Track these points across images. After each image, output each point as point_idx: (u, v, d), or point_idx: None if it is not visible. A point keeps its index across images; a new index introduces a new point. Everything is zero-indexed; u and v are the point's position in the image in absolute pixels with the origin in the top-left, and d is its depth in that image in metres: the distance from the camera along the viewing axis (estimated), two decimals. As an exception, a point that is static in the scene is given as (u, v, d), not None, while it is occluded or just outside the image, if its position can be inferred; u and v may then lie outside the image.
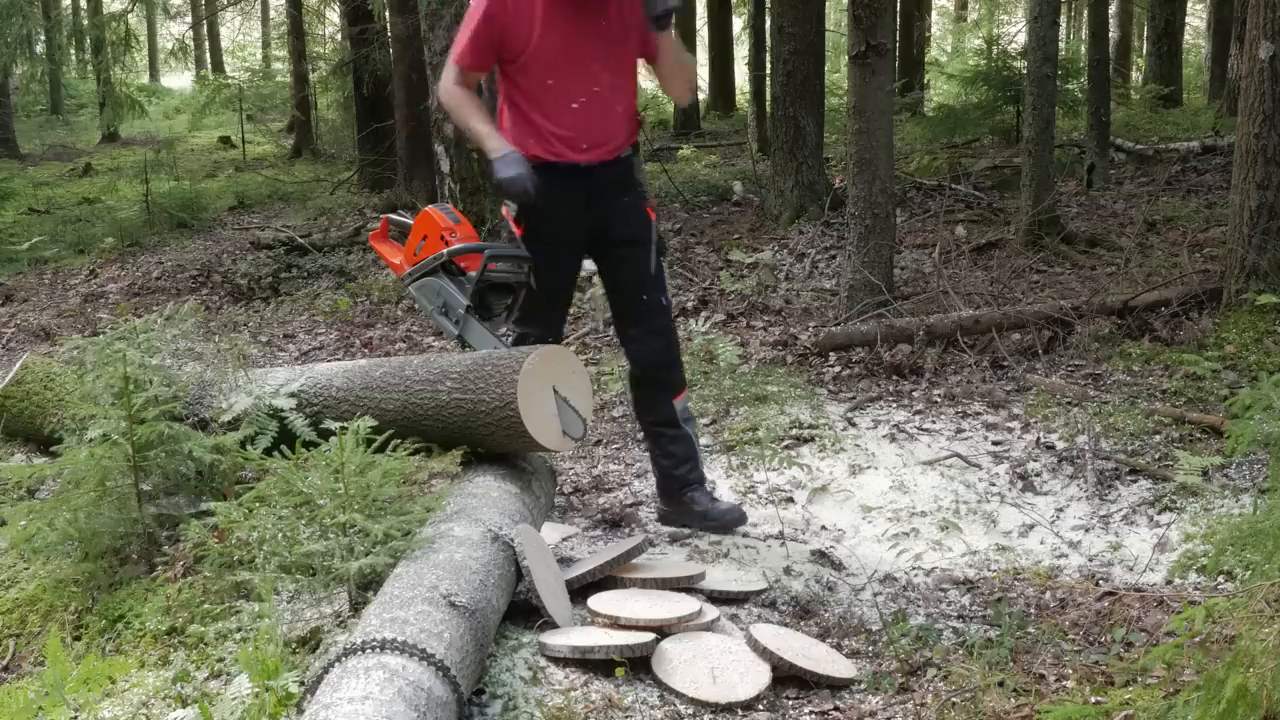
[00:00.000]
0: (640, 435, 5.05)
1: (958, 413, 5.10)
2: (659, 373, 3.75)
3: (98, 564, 3.33)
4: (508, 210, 3.72)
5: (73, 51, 18.72)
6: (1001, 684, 2.81)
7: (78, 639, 3.19)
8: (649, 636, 2.86)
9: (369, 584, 2.88)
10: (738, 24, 18.99)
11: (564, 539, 3.83)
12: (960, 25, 26.33)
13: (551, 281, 3.72)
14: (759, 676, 2.81)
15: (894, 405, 5.27)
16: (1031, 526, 4.02)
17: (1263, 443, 3.44)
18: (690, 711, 2.71)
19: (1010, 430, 4.87)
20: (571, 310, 7.29)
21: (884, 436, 4.85)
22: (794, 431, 4.88)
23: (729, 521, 3.76)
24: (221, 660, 2.87)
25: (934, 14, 25.49)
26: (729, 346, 5.89)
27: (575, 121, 3.58)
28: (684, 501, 3.82)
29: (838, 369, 5.86)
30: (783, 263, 7.98)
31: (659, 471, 3.91)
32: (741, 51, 18.18)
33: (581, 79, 3.56)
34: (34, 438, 4.25)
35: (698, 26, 16.77)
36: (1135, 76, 17.33)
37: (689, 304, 7.15)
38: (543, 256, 3.66)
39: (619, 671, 2.79)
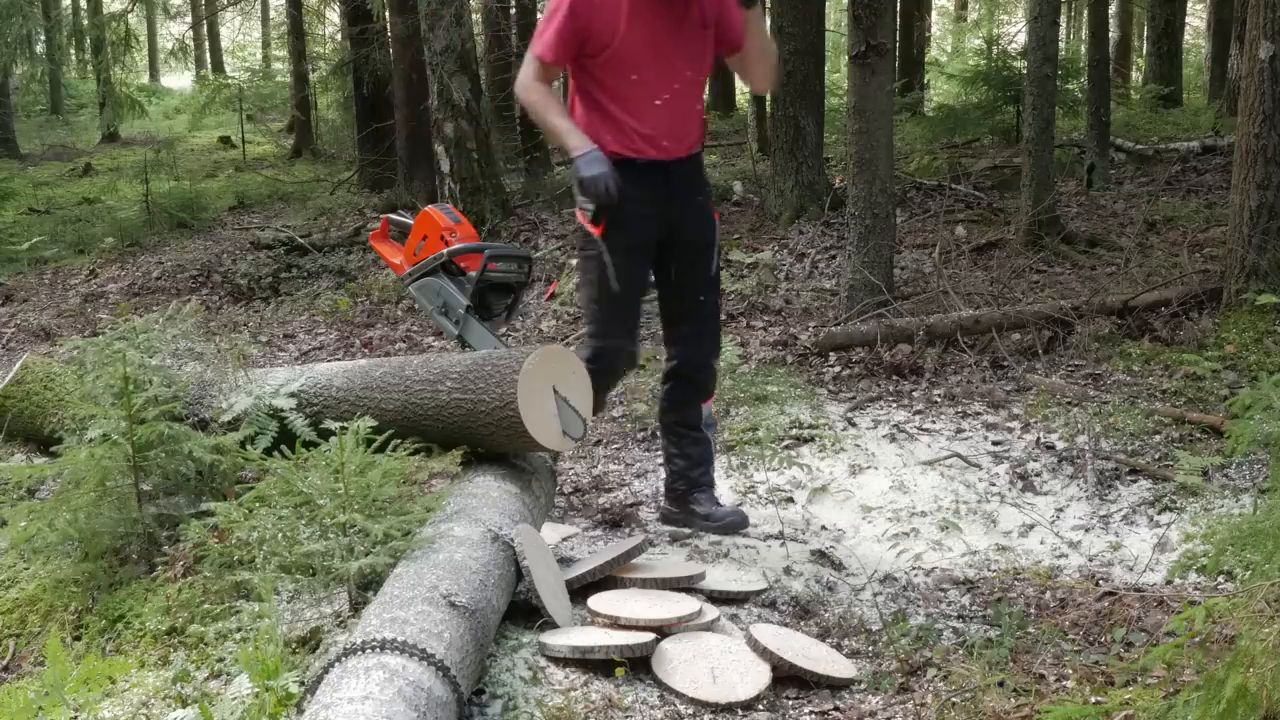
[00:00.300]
0: (642, 435, 5.05)
1: (958, 413, 5.10)
2: (700, 374, 3.75)
3: (98, 564, 3.33)
4: (582, 213, 3.61)
5: (73, 51, 18.71)
6: (1001, 684, 2.81)
7: (78, 639, 3.19)
8: (649, 636, 2.86)
9: (369, 584, 2.88)
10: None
11: (564, 539, 3.83)
12: (960, 25, 26.33)
13: (632, 282, 3.62)
14: (759, 676, 2.81)
15: (894, 405, 5.27)
16: (1031, 526, 4.02)
17: (1263, 443, 3.44)
18: (690, 711, 2.71)
19: (1010, 430, 4.87)
20: (571, 310, 7.34)
21: (884, 436, 4.85)
22: (794, 431, 4.88)
23: (731, 525, 3.75)
24: (221, 660, 2.87)
25: (934, 14, 25.49)
26: (729, 346, 5.89)
27: (658, 118, 3.53)
28: (689, 502, 3.82)
29: (838, 369, 5.86)
30: (783, 263, 7.98)
31: (671, 470, 3.88)
32: (741, 52, 18.14)
33: (666, 75, 3.52)
34: (34, 438, 4.25)
35: (698, 26, 16.75)
36: (1135, 76, 17.33)
37: (689, 304, 7.13)
38: (622, 257, 3.56)
39: (619, 671, 2.79)
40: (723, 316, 6.99)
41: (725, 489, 4.40)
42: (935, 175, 10.38)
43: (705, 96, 3.80)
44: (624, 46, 3.48)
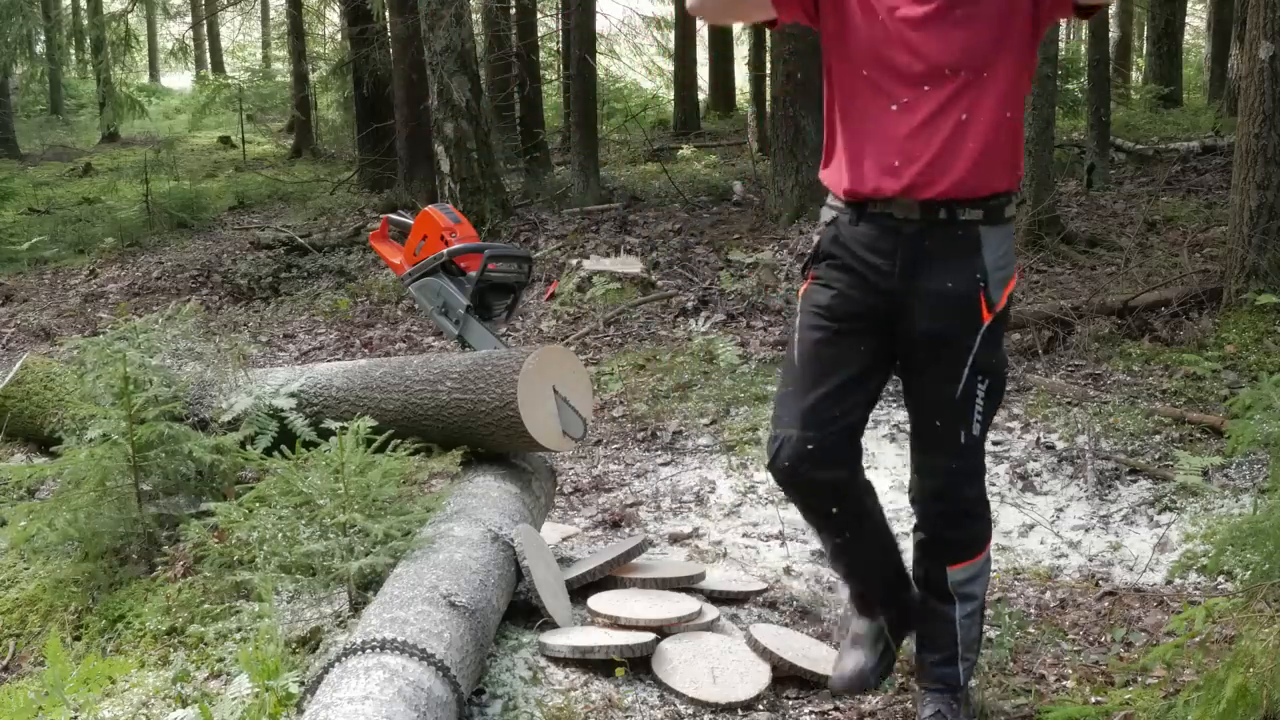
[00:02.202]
0: (641, 435, 5.05)
1: (958, 413, 5.09)
2: (933, 529, 2.56)
3: (98, 564, 3.33)
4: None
5: (73, 51, 18.73)
6: (1002, 684, 2.81)
7: (78, 639, 3.19)
8: (649, 636, 2.86)
9: (369, 584, 2.88)
10: (737, 24, 18.97)
11: (564, 539, 3.83)
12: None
13: (815, 364, 2.51)
14: (759, 676, 2.81)
15: (894, 405, 5.27)
16: (1031, 526, 4.02)
17: (1263, 443, 3.45)
18: (690, 711, 2.71)
19: (1010, 430, 4.87)
20: (571, 310, 7.35)
21: (884, 436, 4.84)
22: (794, 431, 4.87)
23: None
24: (221, 660, 2.87)
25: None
26: (729, 346, 5.89)
27: (896, 135, 2.40)
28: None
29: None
30: (783, 263, 7.98)
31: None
32: (741, 51, 18.18)
33: (912, 70, 2.37)
34: (34, 438, 4.25)
35: (698, 26, 16.77)
36: (1135, 76, 17.33)
37: (689, 304, 7.15)
38: (811, 326, 2.52)
39: (619, 671, 2.79)
40: (719, 316, 7.02)
41: (725, 489, 4.40)
42: (935, 175, 10.36)
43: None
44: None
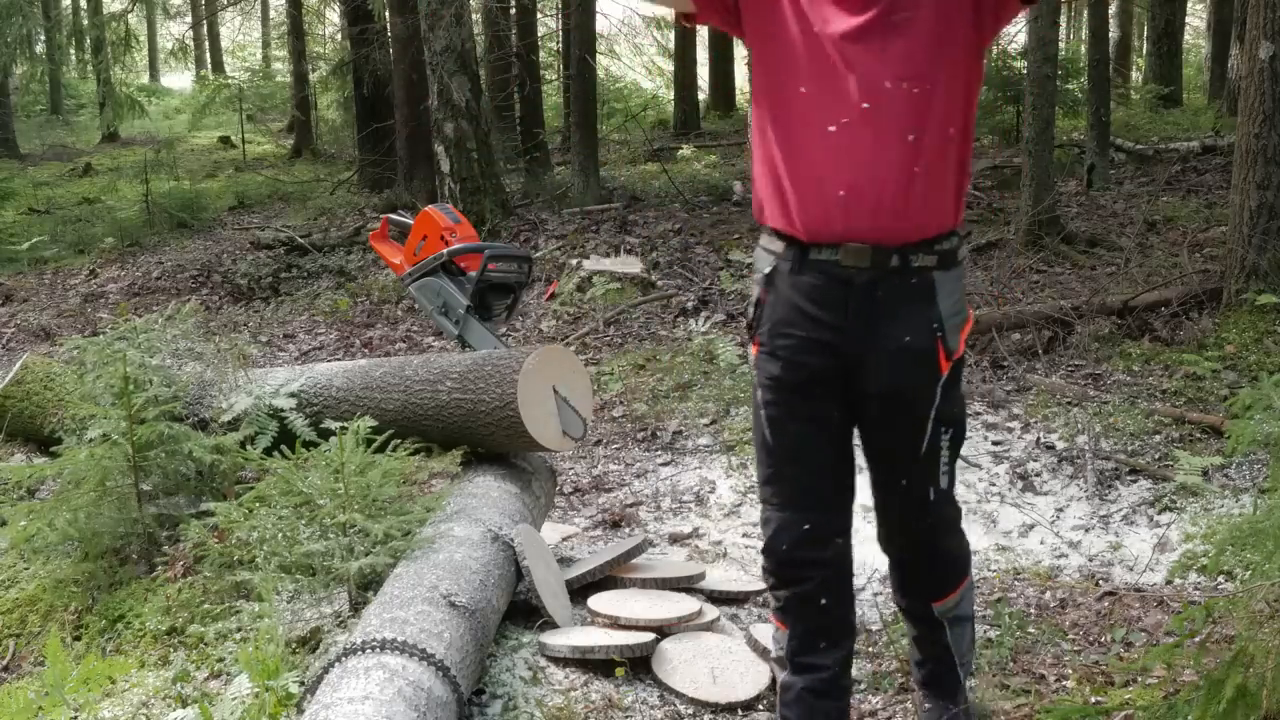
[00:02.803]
0: (641, 435, 5.05)
1: (958, 413, 5.09)
2: (910, 577, 2.47)
3: (98, 564, 3.33)
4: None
5: (73, 51, 18.72)
6: (1002, 684, 2.81)
7: (78, 639, 3.19)
8: (649, 636, 2.86)
9: (369, 584, 2.88)
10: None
11: (564, 539, 3.83)
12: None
13: (790, 438, 2.33)
14: (759, 676, 2.81)
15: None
16: (1031, 526, 4.02)
17: (1263, 443, 3.44)
18: (690, 711, 2.71)
19: (1010, 430, 4.86)
20: (571, 310, 7.35)
21: (884, 436, 4.84)
22: (794, 431, 4.87)
23: None
24: (221, 660, 2.87)
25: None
26: (729, 346, 5.89)
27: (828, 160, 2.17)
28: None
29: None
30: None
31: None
32: (741, 51, 18.18)
33: (852, 85, 2.14)
34: (34, 438, 4.26)
35: (698, 26, 16.76)
36: (1135, 76, 17.33)
37: (689, 304, 7.15)
38: (773, 396, 2.32)
39: (619, 671, 2.79)
40: (720, 316, 7.01)
41: (725, 489, 4.40)
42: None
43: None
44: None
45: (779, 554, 2.35)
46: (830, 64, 2.10)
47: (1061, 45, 11.49)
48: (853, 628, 2.42)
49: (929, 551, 2.39)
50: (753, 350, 2.34)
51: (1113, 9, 14.69)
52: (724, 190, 10.30)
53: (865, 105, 2.08)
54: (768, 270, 2.26)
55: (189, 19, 22.08)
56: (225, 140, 17.86)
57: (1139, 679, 2.75)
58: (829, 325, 2.20)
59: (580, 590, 3.15)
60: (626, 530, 3.99)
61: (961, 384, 2.33)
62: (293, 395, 3.71)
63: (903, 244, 2.15)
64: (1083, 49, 12.55)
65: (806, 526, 2.31)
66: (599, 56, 13.25)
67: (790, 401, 2.27)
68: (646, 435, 5.05)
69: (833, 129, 2.10)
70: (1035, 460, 4.52)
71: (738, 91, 18.03)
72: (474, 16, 10.99)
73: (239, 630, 2.93)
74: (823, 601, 2.32)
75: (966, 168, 2.22)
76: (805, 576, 2.33)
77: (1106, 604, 3.30)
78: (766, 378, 2.29)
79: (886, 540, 2.43)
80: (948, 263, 2.21)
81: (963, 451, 4.53)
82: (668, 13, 2.33)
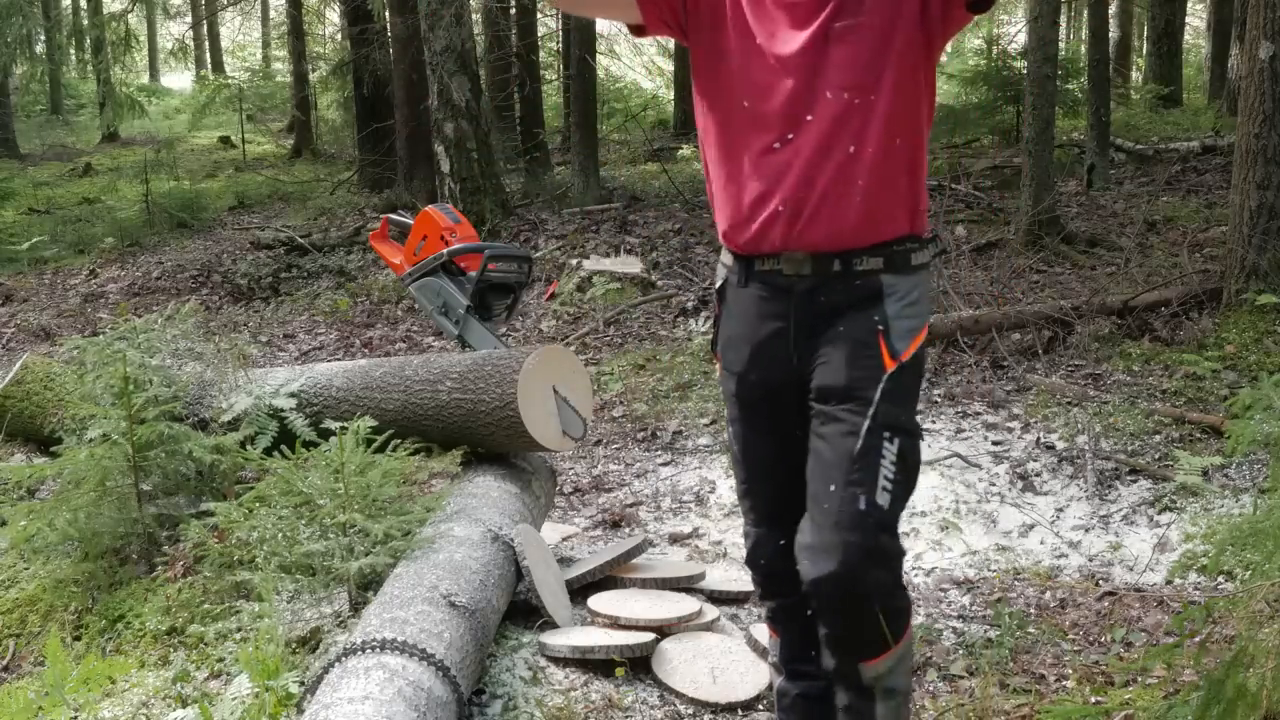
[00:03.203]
0: (641, 435, 5.05)
1: (958, 413, 5.10)
2: (834, 620, 2.09)
3: (98, 564, 3.33)
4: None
5: (73, 51, 18.71)
6: (1002, 684, 2.81)
7: (78, 639, 3.19)
8: (649, 636, 2.86)
9: (369, 584, 2.88)
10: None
11: (564, 539, 3.83)
12: (960, 25, 26.29)
13: (749, 449, 2.29)
14: (759, 676, 2.81)
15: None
16: (1031, 526, 4.02)
17: (1263, 443, 3.44)
18: (690, 711, 2.71)
19: (1010, 430, 4.86)
20: (571, 310, 7.35)
21: (884, 436, 4.84)
22: (794, 431, 4.88)
23: None
24: (221, 660, 2.87)
25: (934, 14, 25.46)
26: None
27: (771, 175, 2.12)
28: None
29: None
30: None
31: None
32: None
33: (791, 100, 2.09)
34: (34, 438, 4.26)
35: (698, 26, 16.73)
36: (1135, 76, 17.33)
37: (689, 304, 7.15)
38: (733, 409, 2.29)
39: (619, 671, 2.79)
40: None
41: (725, 489, 4.40)
42: (935, 175, 10.37)
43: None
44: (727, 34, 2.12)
45: (759, 568, 2.32)
46: (772, 77, 2.05)
47: (1061, 45, 11.50)
48: None
49: (858, 580, 2.00)
50: (717, 367, 2.30)
51: (1113, 9, 14.69)
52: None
53: (808, 118, 2.03)
54: (720, 285, 2.25)
55: (189, 19, 22.08)
56: (225, 140, 17.86)
57: (1139, 679, 2.75)
58: (775, 336, 2.13)
59: (580, 590, 3.15)
60: (626, 530, 3.99)
61: (913, 401, 2.12)
62: (293, 395, 3.71)
63: (845, 249, 2.07)
64: (1083, 49, 12.55)
65: (782, 542, 2.21)
66: (599, 56, 13.26)
67: (752, 418, 2.23)
68: (646, 435, 5.05)
69: (775, 144, 2.06)
70: (1035, 460, 4.52)
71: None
72: (474, 16, 10.99)
73: (239, 630, 2.93)
74: (809, 611, 2.17)
75: (918, 176, 2.12)
76: (787, 589, 2.24)
77: (1106, 604, 3.30)
78: (729, 394, 2.25)
79: (811, 572, 2.04)
80: (898, 266, 2.09)
81: (963, 451, 4.59)
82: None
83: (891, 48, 2.02)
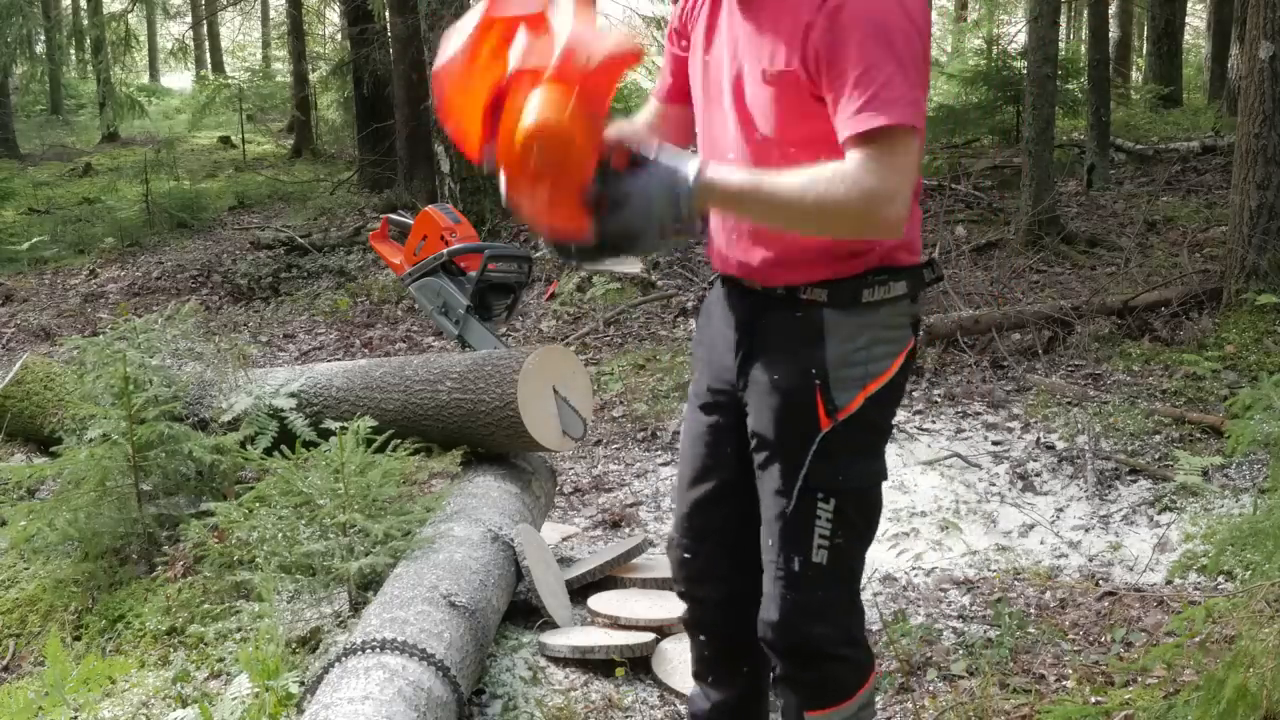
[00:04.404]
0: (641, 435, 5.05)
1: (958, 413, 5.10)
2: (780, 664, 2.04)
3: (98, 564, 3.33)
4: None
5: (73, 51, 18.73)
6: (1002, 684, 2.81)
7: (78, 639, 3.19)
8: (649, 636, 2.86)
9: (369, 584, 2.88)
10: None
11: (564, 539, 3.83)
12: (960, 25, 26.33)
13: (687, 449, 2.19)
14: (759, 676, 2.81)
15: (894, 405, 5.27)
16: (1031, 526, 4.01)
17: (1263, 443, 3.44)
18: (690, 711, 2.71)
19: (1010, 430, 4.86)
20: (571, 310, 7.35)
21: (884, 436, 4.84)
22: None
23: None
24: (221, 660, 2.87)
25: (934, 14, 25.49)
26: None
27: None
28: None
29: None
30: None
31: None
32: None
33: (716, 126, 2.03)
34: (34, 438, 4.25)
35: (698, 26, 16.72)
36: (1135, 76, 17.33)
37: (689, 304, 7.14)
38: (689, 406, 2.21)
39: (619, 671, 2.79)
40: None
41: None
42: (935, 175, 10.37)
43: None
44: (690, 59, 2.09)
45: (674, 575, 2.25)
46: (709, 108, 2.01)
47: (1061, 45, 11.50)
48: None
49: (797, 632, 1.98)
50: None
51: (1113, 9, 14.69)
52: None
53: (730, 155, 1.95)
54: (705, 293, 2.22)
55: (189, 19, 22.08)
56: (225, 140, 17.86)
57: (1139, 679, 2.75)
58: (727, 348, 2.04)
59: (580, 590, 3.15)
60: (626, 530, 3.99)
61: (861, 452, 1.96)
62: (293, 395, 3.71)
63: (766, 282, 1.96)
64: (1083, 49, 12.55)
65: (687, 555, 2.17)
66: (599, 56, 13.23)
67: (700, 419, 2.13)
68: (646, 435, 5.05)
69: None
70: (1035, 460, 4.52)
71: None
72: (474, 16, 10.97)
73: (239, 630, 2.93)
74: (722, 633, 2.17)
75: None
76: (701, 610, 2.20)
77: (1106, 604, 3.30)
78: (691, 387, 2.20)
79: (762, 607, 2.02)
80: (844, 302, 1.91)
81: (963, 451, 4.59)
82: (664, 10, 2.21)
83: (784, 95, 1.87)
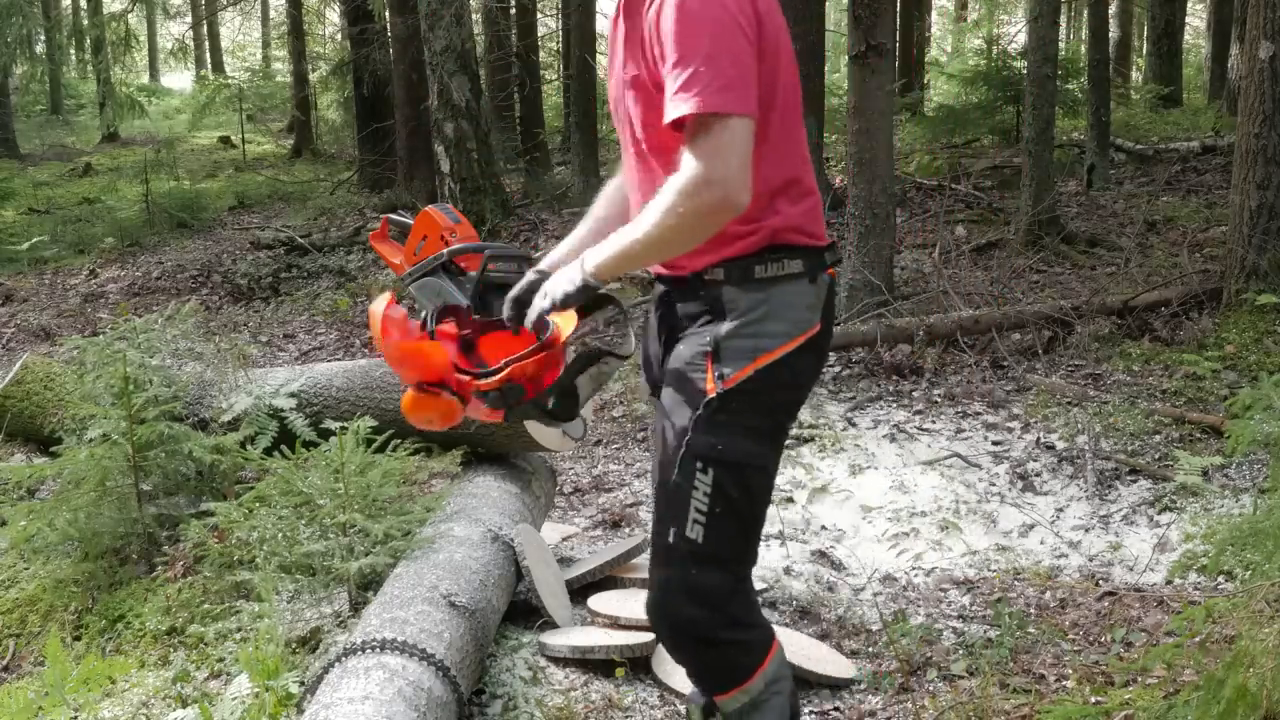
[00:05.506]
0: (641, 435, 5.05)
1: (958, 413, 5.10)
2: (669, 650, 2.09)
3: (98, 564, 3.33)
4: None
5: (73, 51, 18.73)
6: (1002, 684, 2.81)
7: (78, 639, 3.18)
8: (649, 636, 2.85)
9: (369, 584, 2.88)
10: None
11: (564, 539, 3.83)
12: (960, 25, 26.32)
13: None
14: (759, 676, 2.81)
15: (894, 405, 5.27)
16: (1031, 526, 4.01)
17: (1263, 443, 3.44)
18: (690, 711, 2.71)
19: (1010, 430, 4.86)
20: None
21: (884, 436, 4.84)
22: (794, 431, 4.88)
23: None
24: (221, 660, 2.87)
25: (934, 14, 25.49)
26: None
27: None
28: None
29: (838, 369, 5.86)
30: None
31: None
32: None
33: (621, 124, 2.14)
34: (34, 438, 4.25)
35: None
36: (1135, 76, 17.33)
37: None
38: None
39: (619, 671, 2.79)
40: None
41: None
42: (935, 175, 10.38)
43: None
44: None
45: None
46: (618, 131, 2.16)
47: (1061, 45, 11.50)
48: None
49: (672, 615, 1.98)
50: None
51: (1113, 9, 14.69)
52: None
53: (631, 151, 2.08)
54: None
55: (189, 19, 22.08)
56: (225, 140, 17.87)
57: (1139, 679, 2.75)
58: (653, 342, 2.18)
59: (580, 590, 3.15)
60: (626, 530, 3.99)
61: (747, 427, 1.96)
62: (293, 395, 3.71)
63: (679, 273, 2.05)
64: (1083, 49, 12.55)
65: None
66: (599, 56, 13.25)
67: (654, 415, 2.13)
68: (647, 435, 5.05)
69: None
70: (1035, 460, 4.52)
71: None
72: (474, 16, 11.00)
73: (239, 630, 2.93)
74: None
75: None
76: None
77: (1106, 604, 3.30)
78: None
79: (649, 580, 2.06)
80: (738, 278, 1.97)
81: (963, 451, 4.59)
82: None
83: (641, 99, 1.98)
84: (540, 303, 1.94)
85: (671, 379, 2.02)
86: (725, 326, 1.97)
